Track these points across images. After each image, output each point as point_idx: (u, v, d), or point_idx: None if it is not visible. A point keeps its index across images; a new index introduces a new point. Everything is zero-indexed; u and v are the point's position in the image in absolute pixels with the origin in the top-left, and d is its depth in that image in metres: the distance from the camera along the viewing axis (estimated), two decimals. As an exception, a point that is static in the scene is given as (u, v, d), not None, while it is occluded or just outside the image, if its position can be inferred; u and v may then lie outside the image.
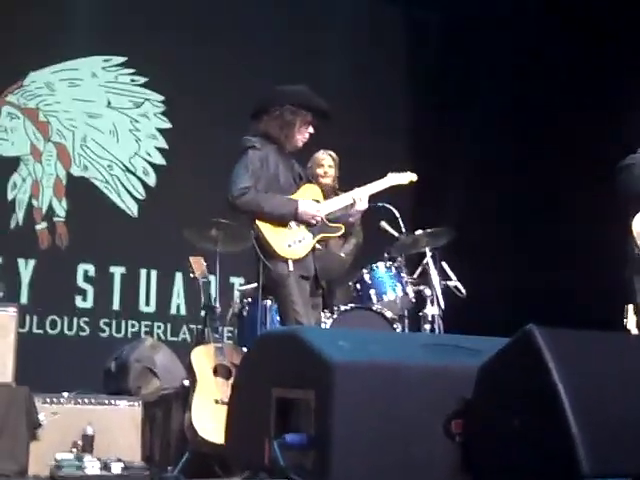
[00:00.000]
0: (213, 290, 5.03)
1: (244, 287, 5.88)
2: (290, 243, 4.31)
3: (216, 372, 4.52)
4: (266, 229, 4.30)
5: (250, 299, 5.36)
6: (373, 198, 4.65)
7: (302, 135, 4.52)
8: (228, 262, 5.23)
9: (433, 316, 5.12)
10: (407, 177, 4.83)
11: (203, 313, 4.88)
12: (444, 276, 5.26)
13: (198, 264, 4.90)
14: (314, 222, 4.38)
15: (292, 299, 4.25)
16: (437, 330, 5.11)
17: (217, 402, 4.36)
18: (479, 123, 7.24)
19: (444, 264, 5.28)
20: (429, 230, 5.23)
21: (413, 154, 7.78)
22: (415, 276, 5.32)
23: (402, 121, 8.32)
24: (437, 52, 8.07)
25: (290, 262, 4.25)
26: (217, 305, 4.89)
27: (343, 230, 4.57)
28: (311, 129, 4.55)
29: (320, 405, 2.61)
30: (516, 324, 2.66)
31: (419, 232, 5.24)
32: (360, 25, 8.02)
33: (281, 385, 2.84)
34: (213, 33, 7.59)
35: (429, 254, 5.18)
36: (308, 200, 4.43)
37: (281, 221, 4.32)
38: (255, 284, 5.55)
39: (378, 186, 4.68)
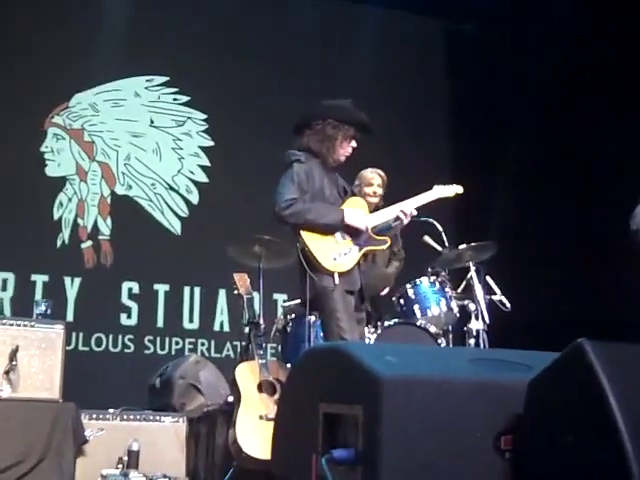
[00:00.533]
0: (257, 306, 5.03)
1: (288, 303, 5.88)
2: (336, 256, 4.28)
3: (260, 388, 4.51)
4: (312, 242, 4.28)
5: (294, 315, 5.36)
6: (418, 211, 4.63)
7: (344, 149, 4.52)
8: (271, 278, 5.24)
9: (478, 331, 5.08)
10: (453, 189, 4.82)
11: (247, 329, 4.88)
12: (488, 290, 5.21)
13: (242, 280, 4.91)
14: (362, 230, 4.36)
15: (337, 315, 4.22)
16: (482, 345, 5.06)
17: (261, 418, 4.35)
18: (523, 136, 7.19)
19: (488, 278, 5.24)
20: (473, 244, 5.19)
21: (457, 167, 7.75)
22: (459, 291, 5.29)
23: (446, 135, 8.29)
24: (478, 65, 8.03)
25: (336, 275, 4.22)
26: (261, 321, 4.89)
27: (389, 243, 4.55)
28: (354, 143, 4.54)
29: (368, 420, 2.59)
30: (562, 339, 2.62)
31: (462, 246, 5.20)
32: (394, 37, 8.04)
33: (328, 400, 2.82)
34: (253, 51, 7.67)
35: (473, 268, 5.14)
36: (354, 210, 4.41)
37: (327, 230, 4.30)
38: (299, 300, 5.58)
39: (424, 199, 4.66)
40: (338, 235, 4.34)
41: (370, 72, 7.70)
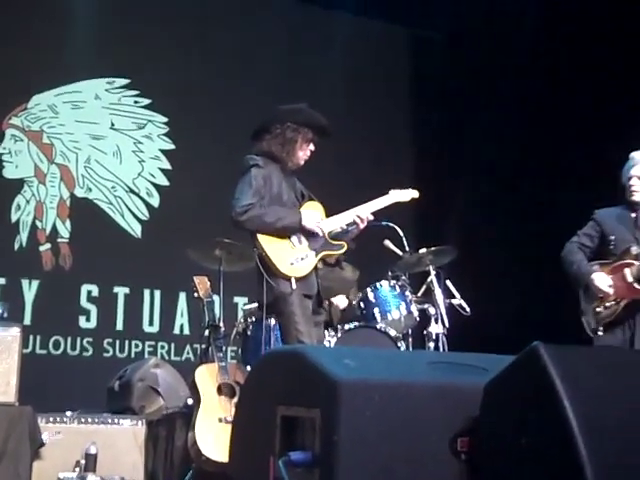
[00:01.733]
0: (217, 309, 5.02)
1: (248, 306, 5.87)
2: (293, 261, 4.32)
3: (220, 391, 4.51)
4: (269, 247, 4.31)
5: (254, 318, 5.36)
6: (376, 216, 4.66)
7: (304, 152, 4.55)
8: (232, 282, 5.23)
9: (437, 334, 5.11)
10: (409, 194, 4.84)
11: (207, 332, 4.87)
12: (448, 295, 5.25)
13: (202, 283, 4.91)
14: (318, 231, 4.40)
15: (295, 318, 4.26)
16: (441, 348, 5.10)
17: (221, 421, 4.35)
18: (482, 140, 7.25)
19: (448, 282, 5.28)
20: (433, 248, 5.23)
21: (416, 172, 7.80)
22: (419, 295, 5.32)
23: (404, 139, 8.35)
24: (440, 70, 8.08)
25: (293, 280, 4.26)
26: (221, 324, 4.89)
27: (345, 248, 4.57)
28: (312, 146, 4.58)
29: (326, 423, 2.60)
30: (520, 342, 2.65)
31: (423, 250, 5.24)
32: (361, 43, 8.07)
33: (286, 403, 2.83)
34: (215, 54, 7.66)
35: (433, 272, 5.17)
36: (309, 211, 4.46)
37: (284, 233, 4.35)
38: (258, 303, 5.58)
39: (380, 203, 4.69)
40: (295, 240, 4.39)
41: (336, 78, 7.71)
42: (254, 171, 4.41)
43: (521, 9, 6.93)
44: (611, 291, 4.59)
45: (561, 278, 6.27)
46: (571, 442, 2.31)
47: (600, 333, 4.61)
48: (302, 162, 4.59)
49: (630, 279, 4.56)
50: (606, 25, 6.43)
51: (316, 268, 4.45)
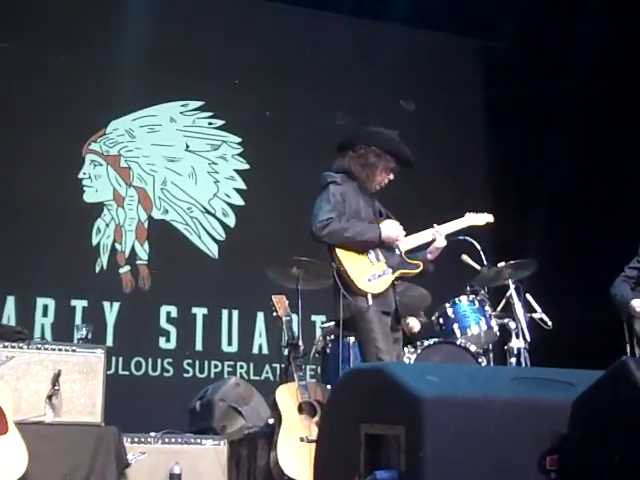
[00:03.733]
0: (295, 328, 5.03)
1: (326, 324, 5.87)
2: (370, 277, 4.30)
3: (301, 410, 4.51)
4: (347, 262, 4.30)
5: (333, 336, 5.36)
6: (451, 235, 4.65)
7: (382, 179, 4.54)
8: (309, 300, 5.24)
9: (519, 349, 5.03)
10: (484, 218, 4.82)
11: (286, 351, 4.88)
12: (529, 309, 5.17)
13: (281, 302, 4.92)
14: (398, 245, 4.40)
15: (373, 335, 4.23)
16: (523, 363, 5.01)
17: (302, 440, 4.35)
18: (559, 153, 7.14)
19: (528, 296, 5.20)
20: (512, 262, 5.16)
21: (494, 184, 7.72)
22: (499, 309, 5.25)
23: (481, 152, 8.26)
24: (511, 83, 7.99)
25: (369, 296, 4.24)
26: (300, 343, 4.89)
27: (422, 267, 4.53)
28: (392, 176, 4.56)
29: (410, 440, 2.57)
30: (603, 357, 2.59)
31: (501, 264, 5.17)
32: (431, 58, 8.04)
33: (370, 421, 2.81)
34: (288, 74, 7.70)
35: (512, 286, 5.10)
36: (390, 221, 4.46)
37: (365, 247, 4.34)
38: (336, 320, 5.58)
39: (456, 225, 4.69)
40: (372, 256, 4.36)
41: (403, 93, 7.71)
42: (332, 187, 4.41)
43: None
44: None
45: None
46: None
47: None
48: (378, 187, 4.57)
49: None
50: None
51: (393, 285, 4.43)
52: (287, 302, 4.94)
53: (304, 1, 7.82)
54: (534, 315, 5.14)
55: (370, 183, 4.51)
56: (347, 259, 4.31)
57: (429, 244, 4.56)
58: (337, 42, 7.78)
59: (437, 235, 4.52)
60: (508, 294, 5.10)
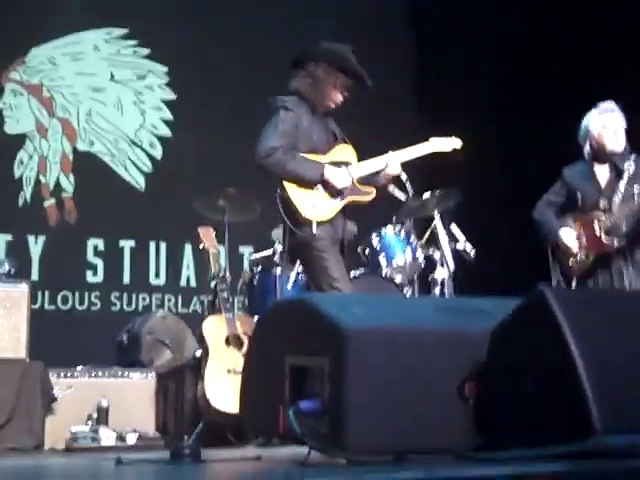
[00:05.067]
0: (222, 260, 5.01)
1: (254, 256, 5.87)
2: (315, 204, 4.14)
3: (228, 342, 4.52)
4: (292, 190, 4.14)
5: (260, 268, 5.36)
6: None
7: (334, 97, 4.35)
8: (237, 231, 5.23)
9: (443, 279, 5.10)
10: (451, 143, 4.66)
11: (213, 283, 4.88)
12: (453, 239, 5.21)
13: (207, 234, 4.88)
14: (340, 189, 4.22)
15: (325, 264, 4.10)
16: (447, 293, 5.09)
17: (230, 372, 4.37)
18: (491, 84, 7.17)
19: (453, 226, 5.24)
20: (437, 192, 5.17)
21: (423, 116, 7.72)
22: (424, 239, 5.29)
23: (412, 83, 8.22)
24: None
25: (314, 224, 4.09)
26: (227, 275, 4.88)
27: (374, 195, 4.39)
28: (345, 93, 4.36)
29: (334, 371, 2.62)
30: (528, 285, 2.65)
31: (427, 195, 5.19)
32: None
33: (295, 353, 2.85)
34: (216, 2, 7.53)
35: (438, 217, 5.13)
36: (336, 168, 4.25)
37: (305, 183, 4.17)
38: (264, 253, 5.59)
39: (418, 151, 4.53)
40: (319, 185, 4.20)
41: (335, 24, 7.60)
42: (282, 113, 4.22)
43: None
44: (576, 245, 4.72)
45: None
46: (576, 382, 2.32)
47: (573, 287, 4.68)
48: (333, 106, 4.38)
49: (599, 233, 4.65)
50: None
51: (344, 213, 4.28)
52: (214, 234, 4.90)
53: None
54: (457, 245, 5.19)
55: (321, 101, 4.33)
56: (292, 186, 4.15)
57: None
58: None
59: (390, 162, 4.37)
60: (433, 224, 5.14)
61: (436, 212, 5.15)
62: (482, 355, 2.68)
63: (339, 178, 4.23)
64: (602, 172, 4.82)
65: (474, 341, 2.70)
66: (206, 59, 7.40)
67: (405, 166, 4.98)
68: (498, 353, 2.65)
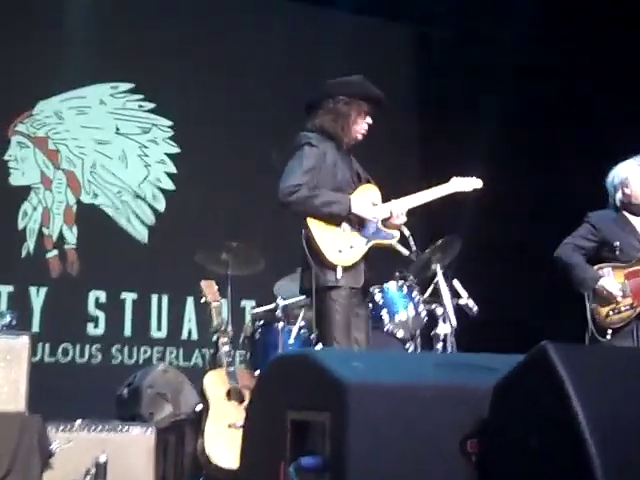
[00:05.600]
0: (225, 314, 5.01)
1: (256, 310, 5.87)
2: (341, 249, 4.03)
3: (229, 396, 4.50)
4: (317, 231, 4.02)
5: (262, 322, 5.35)
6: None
7: (360, 126, 4.30)
8: (239, 285, 5.23)
9: (445, 335, 5.08)
10: (472, 183, 4.58)
11: (215, 337, 4.87)
12: (456, 294, 5.20)
13: (210, 288, 4.90)
14: (369, 220, 4.13)
15: (336, 319, 4.00)
16: (450, 349, 5.06)
17: (230, 427, 4.34)
18: (486, 138, 7.22)
19: (455, 282, 5.23)
20: (438, 242, 5.15)
21: (426, 168, 7.76)
22: (427, 295, 5.29)
23: (415, 136, 8.30)
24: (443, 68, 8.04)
25: (339, 269, 3.98)
26: (229, 328, 4.88)
27: (398, 237, 4.31)
28: (369, 119, 4.32)
29: (335, 427, 2.59)
30: (530, 342, 2.63)
31: (428, 249, 5.18)
32: (364, 43, 8.03)
33: (296, 408, 2.82)
34: (218, 58, 7.64)
35: (440, 272, 5.13)
36: (362, 199, 4.15)
37: (333, 219, 4.06)
38: (267, 307, 5.57)
39: (440, 192, 4.44)
40: (345, 225, 4.10)
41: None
42: (307, 150, 4.13)
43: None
44: (620, 294, 4.58)
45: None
46: (581, 442, 2.30)
47: (609, 337, 4.58)
48: (360, 136, 4.32)
49: None
50: (607, 23, 6.42)
51: (366, 258, 4.18)
52: (216, 287, 4.91)
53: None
54: (460, 301, 5.18)
55: (348, 134, 4.27)
56: (318, 227, 4.04)
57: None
58: (271, 26, 7.73)
59: (395, 210, 4.25)
60: (435, 280, 5.13)
61: (439, 267, 5.14)
62: (484, 411, 2.66)
63: (367, 210, 4.13)
64: (639, 224, 4.77)
65: (476, 397, 2.67)
66: (210, 113, 7.47)
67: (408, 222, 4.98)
68: (500, 409, 2.63)
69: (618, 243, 4.68)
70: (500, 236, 6.96)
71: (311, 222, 4.04)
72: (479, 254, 6.12)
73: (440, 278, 5.08)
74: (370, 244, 4.16)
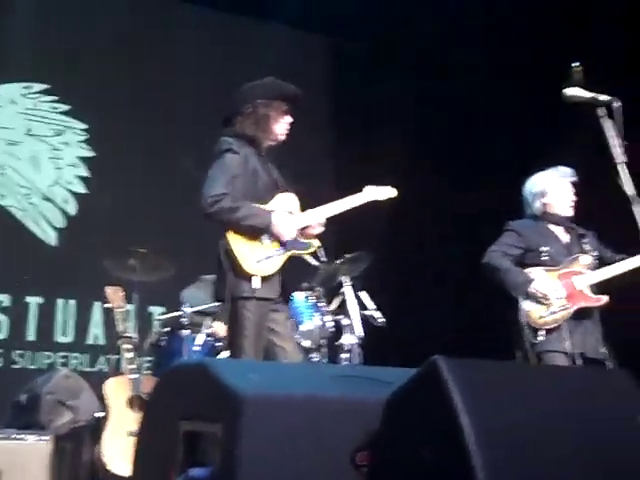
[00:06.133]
0: (130, 320, 4.96)
1: (163, 317, 5.82)
2: (259, 259, 3.98)
3: (131, 404, 4.44)
4: (235, 242, 3.98)
5: (168, 329, 5.31)
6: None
7: (281, 125, 4.26)
8: (148, 291, 5.18)
9: (351, 345, 5.12)
10: (386, 192, 4.51)
11: (119, 343, 4.81)
12: (363, 306, 5.25)
13: (115, 294, 4.85)
14: (286, 238, 4.05)
15: (245, 333, 3.93)
16: (355, 359, 5.11)
17: (130, 434, 4.28)
18: (400, 148, 7.29)
19: (363, 293, 5.28)
20: (347, 256, 5.19)
21: (337, 180, 7.82)
22: (334, 306, 5.32)
23: (328, 148, 8.35)
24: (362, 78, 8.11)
25: (255, 279, 3.92)
26: (134, 335, 4.83)
27: (316, 247, 4.26)
28: (289, 119, 4.28)
29: (227, 438, 2.58)
30: (434, 354, 2.67)
31: (338, 261, 5.23)
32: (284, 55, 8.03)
33: (189, 418, 2.80)
34: (134, 61, 7.56)
35: (348, 283, 5.17)
36: (283, 216, 4.09)
37: (252, 232, 4.00)
38: (173, 314, 5.53)
39: (354, 201, 4.37)
40: (264, 236, 4.03)
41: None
42: (228, 156, 4.06)
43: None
44: (554, 295, 4.61)
45: (478, 289, 6.35)
46: (467, 457, 2.34)
47: (541, 338, 4.59)
48: (282, 137, 4.29)
49: (580, 287, 4.64)
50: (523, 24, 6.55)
51: (283, 268, 4.11)
52: (122, 293, 4.86)
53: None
54: (366, 312, 5.23)
55: (270, 136, 4.23)
56: (236, 237, 3.98)
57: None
58: (190, 33, 7.69)
59: (313, 219, 4.20)
60: (343, 290, 5.17)
61: (346, 278, 5.19)
62: (377, 424, 2.68)
63: (286, 228, 4.07)
64: (560, 232, 4.83)
65: (369, 409, 2.70)
66: (125, 117, 7.39)
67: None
68: (392, 422, 2.65)
69: (546, 248, 4.72)
70: (410, 249, 7.04)
71: (230, 232, 4.00)
72: (388, 266, 6.18)
73: (347, 289, 5.13)
74: (288, 254, 4.12)
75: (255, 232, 4.01)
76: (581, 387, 2.76)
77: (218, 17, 8.00)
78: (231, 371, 2.75)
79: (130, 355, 4.62)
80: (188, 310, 5.16)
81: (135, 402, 4.44)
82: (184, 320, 5.24)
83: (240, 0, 7.76)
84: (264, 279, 3.96)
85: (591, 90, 3.44)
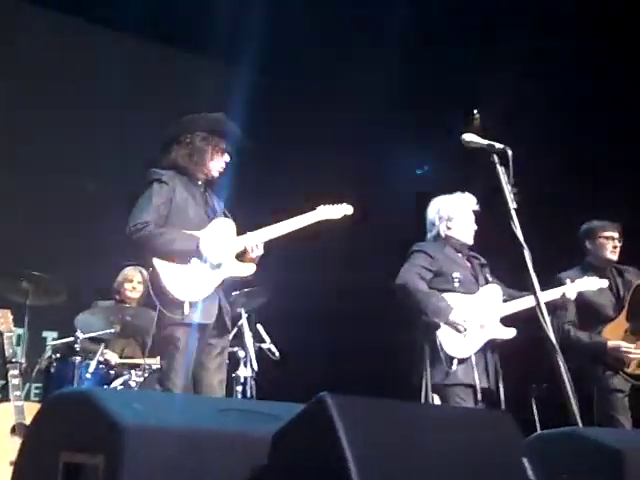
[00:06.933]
0: (22, 344, 4.82)
1: (55, 342, 5.67)
2: (190, 283, 3.91)
3: (14, 431, 4.30)
4: (162, 267, 3.90)
5: (59, 355, 5.19)
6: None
7: (216, 162, 4.24)
8: (41, 316, 5.06)
9: (245, 378, 5.09)
10: (341, 210, 4.47)
11: (7, 368, 4.66)
12: (259, 339, 5.26)
13: (4, 317, 4.70)
14: (216, 260, 4.01)
15: (174, 356, 3.88)
16: (249, 392, 5.08)
17: (12, 464, 4.13)
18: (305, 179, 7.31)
19: (259, 326, 5.29)
20: (245, 290, 5.19)
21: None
22: (230, 337, 5.27)
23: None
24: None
25: (186, 305, 3.87)
26: (22, 360, 4.69)
27: (254, 269, 4.18)
28: (227, 157, 4.27)
29: (108, 471, 2.52)
30: (336, 386, 2.68)
31: (235, 293, 5.19)
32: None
33: (70, 449, 2.72)
34: (36, 68, 7.36)
35: (245, 315, 5.16)
36: (213, 240, 4.02)
37: (179, 256, 3.94)
38: (66, 340, 5.40)
39: (306, 220, 4.33)
40: (195, 261, 3.96)
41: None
42: (156, 186, 4.06)
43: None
44: (472, 325, 4.59)
45: (373, 326, 6.42)
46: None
47: (454, 367, 4.53)
48: (216, 174, 4.26)
49: (493, 318, 4.67)
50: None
51: (218, 290, 4.07)
52: (11, 317, 4.72)
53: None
54: (263, 345, 5.23)
55: (202, 170, 4.21)
56: (164, 264, 3.90)
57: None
58: (110, 58, 7.56)
59: (249, 243, 4.14)
60: (239, 323, 5.16)
61: (243, 311, 5.17)
62: (264, 459, 2.66)
63: (215, 252, 4.01)
64: (462, 258, 4.87)
65: (256, 444, 2.68)
66: (19, 133, 7.17)
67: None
68: (278, 457, 2.64)
69: (457, 275, 4.70)
70: (306, 284, 7.04)
71: (157, 259, 3.93)
72: (286, 299, 6.17)
73: (244, 321, 5.12)
74: (222, 277, 4.05)
75: (182, 256, 3.96)
76: (461, 425, 2.81)
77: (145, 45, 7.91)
78: (115, 401, 2.69)
79: (16, 381, 4.48)
80: (81, 336, 5.05)
81: (19, 430, 4.30)
82: (76, 346, 5.11)
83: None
84: (194, 304, 3.91)
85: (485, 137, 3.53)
